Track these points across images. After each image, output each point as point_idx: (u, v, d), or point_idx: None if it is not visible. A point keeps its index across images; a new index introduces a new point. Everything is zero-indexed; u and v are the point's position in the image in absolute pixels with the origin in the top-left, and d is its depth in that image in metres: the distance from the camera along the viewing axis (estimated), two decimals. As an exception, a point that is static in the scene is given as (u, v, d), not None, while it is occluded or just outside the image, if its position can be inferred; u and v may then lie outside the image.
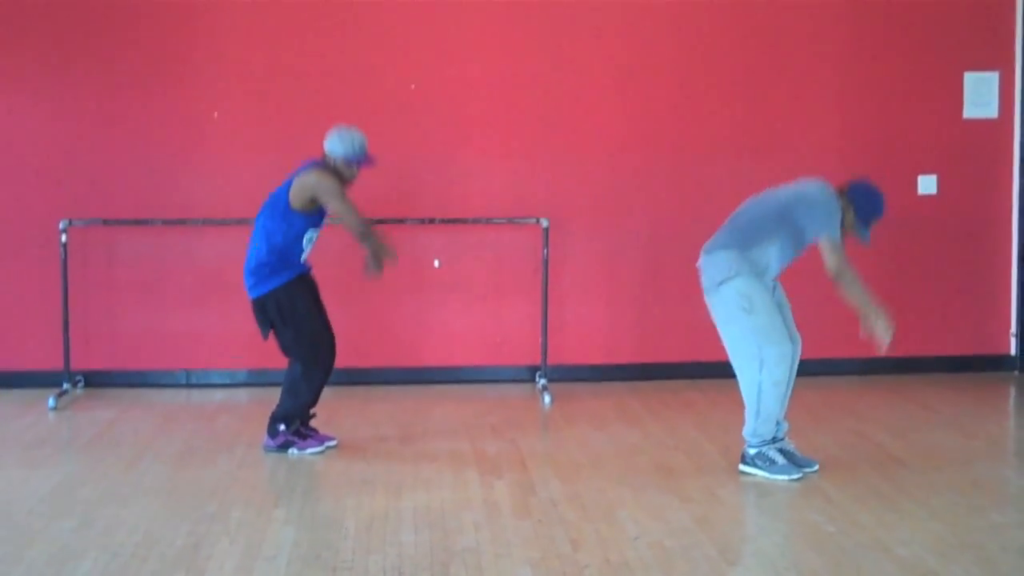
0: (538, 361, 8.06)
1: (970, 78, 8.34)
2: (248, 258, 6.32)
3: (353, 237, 6.25)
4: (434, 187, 8.07)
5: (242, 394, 7.86)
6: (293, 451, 6.31)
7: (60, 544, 4.88)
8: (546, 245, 7.94)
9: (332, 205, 6.16)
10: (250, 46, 7.98)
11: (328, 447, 6.39)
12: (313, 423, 6.48)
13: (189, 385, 8.12)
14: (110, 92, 7.93)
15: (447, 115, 8.09)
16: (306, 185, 6.15)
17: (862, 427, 6.83)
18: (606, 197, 8.19)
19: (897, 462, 6.12)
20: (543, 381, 7.92)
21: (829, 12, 8.23)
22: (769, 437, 5.78)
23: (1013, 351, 8.53)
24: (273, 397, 6.46)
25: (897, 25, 8.28)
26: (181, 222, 7.90)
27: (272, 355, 6.50)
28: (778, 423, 5.79)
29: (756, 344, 5.65)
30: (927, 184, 8.36)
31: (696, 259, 5.92)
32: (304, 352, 6.33)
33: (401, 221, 7.87)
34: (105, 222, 7.87)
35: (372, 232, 6.23)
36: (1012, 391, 8.12)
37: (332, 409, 6.94)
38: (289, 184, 6.23)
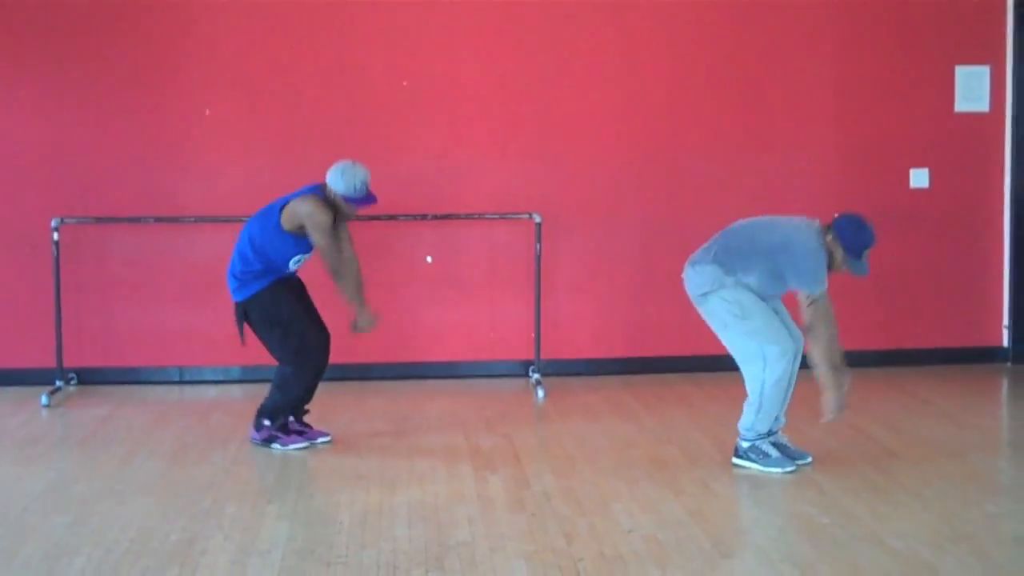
0: (531, 356, 8.06)
1: (961, 72, 8.36)
2: (232, 262, 6.30)
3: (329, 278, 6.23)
4: (427, 183, 8.06)
5: (235, 390, 7.86)
6: (276, 446, 6.31)
7: (54, 541, 4.88)
8: (539, 240, 7.94)
9: (317, 241, 6.12)
10: (242, 44, 7.97)
11: (321, 443, 6.38)
12: (307, 419, 6.47)
13: (182, 382, 8.11)
14: (102, 90, 7.92)
15: (439, 112, 8.09)
16: (298, 213, 6.11)
17: (855, 419, 6.83)
18: (599, 192, 8.20)
19: (890, 454, 6.13)
20: (536, 376, 7.92)
21: (821, 7, 8.24)
22: (765, 431, 5.79)
23: (1005, 343, 8.55)
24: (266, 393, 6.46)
25: (889, 20, 8.29)
26: (174, 220, 7.90)
27: (265, 352, 6.49)
28: (776, 418, 5.80)
29: (757, 343, 5.67)
30: (919, 178, 8.37)
31: (688, 253, 5.92)
32: (292, 355, 6.30)
33: (394, 217, 7.86)
34: (97, 220, 7.86)
35: (356, 291, 6.25)
36: (1005, 382, 8.14)
37: (326, 404, 6.94)
38: (284, 202, 6.19)
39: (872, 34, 8.29)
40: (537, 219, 7.91)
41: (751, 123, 8.24)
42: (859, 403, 7.25)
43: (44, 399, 7.44)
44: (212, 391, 7.92)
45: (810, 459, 5.85)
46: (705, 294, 5.78)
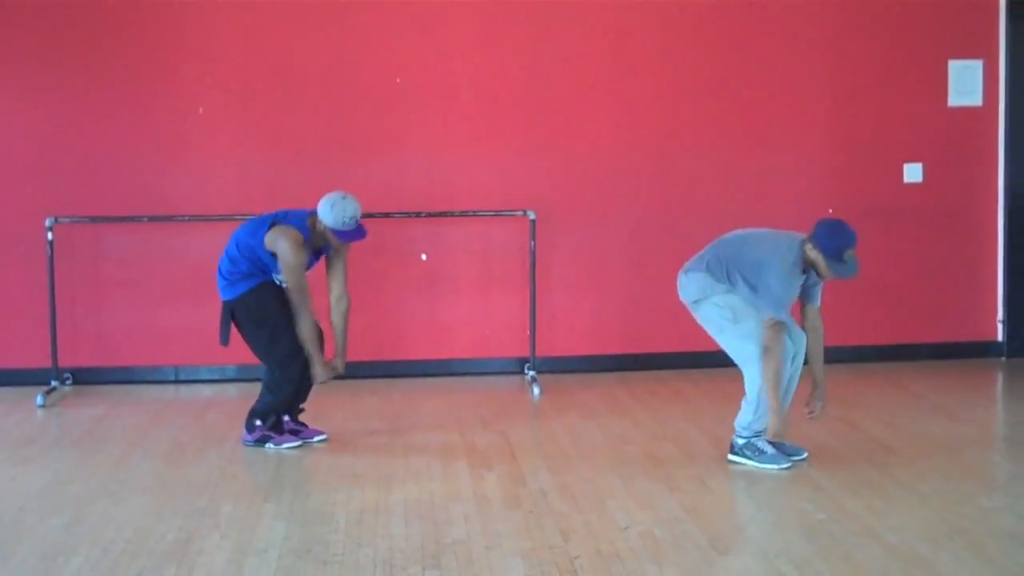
0: (526, 353, 8.07)
1: (955, 66, 8.36)
2: (221, 261, 6.29)
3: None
4: (421, 181, 8.06)
5: (231, 389, 7.85)
6: (270, 446, 6.31)
7: (50, 541, 4.88)
8: (533, 237, 7.93)
9: (286, 280, 6.09)
10: (235, 42, 7.96)
11: (317, 442, 6.38)
12: (302, 418, 6.47)
13: (178, 381, 8.11)
14: (96, 89, 7.91)
15: (433, 109, 8.08)
16: (276, 246, 6.07)
17: (851, 415, 6.84)
18: (593, 189, 8.20)
19: (886, 449, 6.14)
20: (532, 373, 7.92)
21: (814, 4, 8.24)
22: (761, 429, 5.80)
23: (1000, 337, 8.56)
24: (262, 392, 6.46)
25: (882, 14, 8.29)
26: (168, 219, 7.89)
27: (260, 350, 6.49)
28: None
29: (753, 345, 5.68)
30: (913, 172, 8.38)
31: (682, 249, 5.94)
32: (277, 360, 6.28)
33: (388, 215, 7.86)
34: (92, 219, 7.85)
35: (313, 342, 6.18)
36: (1000, 377, 8.15)
37: (321, 403, 6.93)
38: (273, 220, 6.15)
39: (865, 29, 8.30)
40: (532, 216, 7.91)
41: (745, 119, 8.24)
42: (854, 398, 7.28)
43: (39, 399, 7.43)
44: (207, 390, 7.91)
45: (805, 455, 5.85)
46: (697, 301, 5.85)
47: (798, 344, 5.80)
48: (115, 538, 4.89)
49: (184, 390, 7.95)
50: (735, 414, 5.85)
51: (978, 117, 8.41)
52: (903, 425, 6.67)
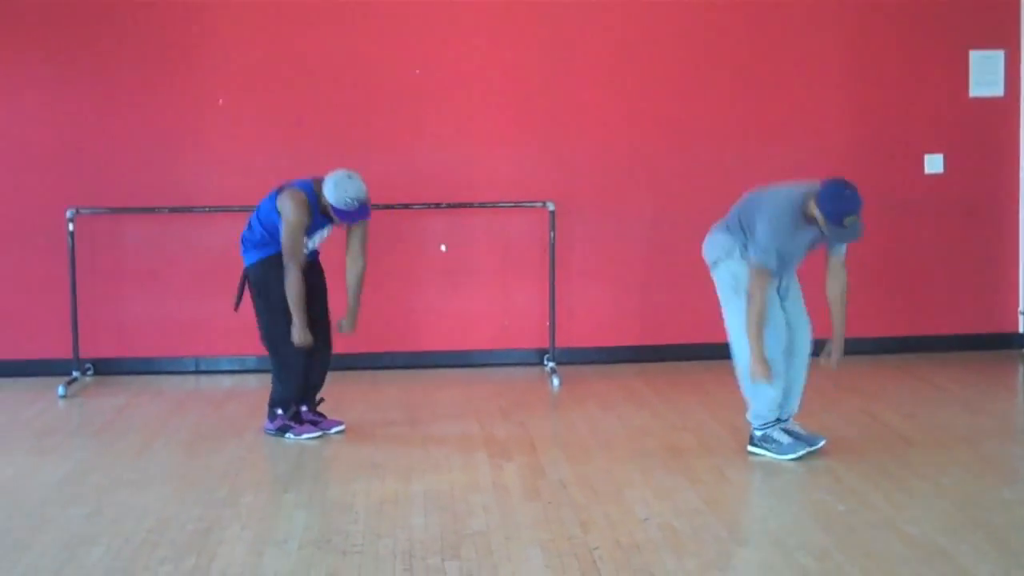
0: (546, 344, 8.07)
1: (975, 56, 8.32)
2: (246, 227, 6.34)
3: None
4: (440, 172, 8.07)
5: (251, 380, 7.87)
6: (290, 436, 6.32)
7: (72, 531, 4.91)
8: (552, 229, 7.93)
9: (282, 237, 6.09)
10: (254, 33, 7.98)
11: (335, 432, 6.39)
12: (322, 408, 6.48)
13: (198, 372, 8.14)
14: (116, 81, 7.94)
15: (452, 100, 8.09)
16: (282, 206, 6.10)
17: (871, 406, 6.83)
18: (612, 180, 8.19)
19: (906, 441, 6.12)
20: (551, 364, 7.92)
21: (833, -8, 8.23)
22: (771, 419, 5.78)
23: (1021, 329, 8.52)
24: (282, 383, 6.48)
25: (902, 4, 8.26)
26: (188, 209, 7.91)
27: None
28: (782, 405, 5.77)
29: (743, 324, 5.65)
30: (934, 163, 8.35)
31: (701, 240, 5.92)
32: (273, 346, 6.30)
33: (407, 206, 7.87)
34: (112, 210, 7.88)
35: (298, 296, 6.12)
36: (1020, 369, 8.12)
37: (340, 393, 6.96)
38: (290, 186, 6.19)
39: (886, 19, 8.26)
40: (551, 207, 7.91)
41: (764, 110, 8.22)
42: (874, 390, 7.27)
43: (61, 390, 7.47)
44: (228, 381, 7.94)
45: (823, 442, 5.80)
46: (715, 262, 5.81)
47: (800, 331, 5.77)
48: (136, 528, 4.91)
49: (204, 381, 7.98)
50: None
51: (999, 108, 8.37)
52: (923, 417, 6.65)
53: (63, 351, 7.84)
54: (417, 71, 8.05)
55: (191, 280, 8.03)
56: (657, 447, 6.08)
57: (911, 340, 8.40)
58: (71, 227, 7.71)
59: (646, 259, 8.25)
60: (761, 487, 5.54)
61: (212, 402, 7.29)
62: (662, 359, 8.20)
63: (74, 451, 6.26)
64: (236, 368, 8.12)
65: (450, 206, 8.03)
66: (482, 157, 8.11)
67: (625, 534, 4.77)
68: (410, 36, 8.03)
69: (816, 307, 5.84)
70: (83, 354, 7.86)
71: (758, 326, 5.56)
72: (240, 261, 6.38)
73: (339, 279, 6.43)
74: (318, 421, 6.41)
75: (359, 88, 8.01)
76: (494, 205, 8.08)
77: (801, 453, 5.73)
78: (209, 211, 7.92)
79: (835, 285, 5.73)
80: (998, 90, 8.36)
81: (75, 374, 7.78)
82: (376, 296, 7.96)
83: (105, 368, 8.01)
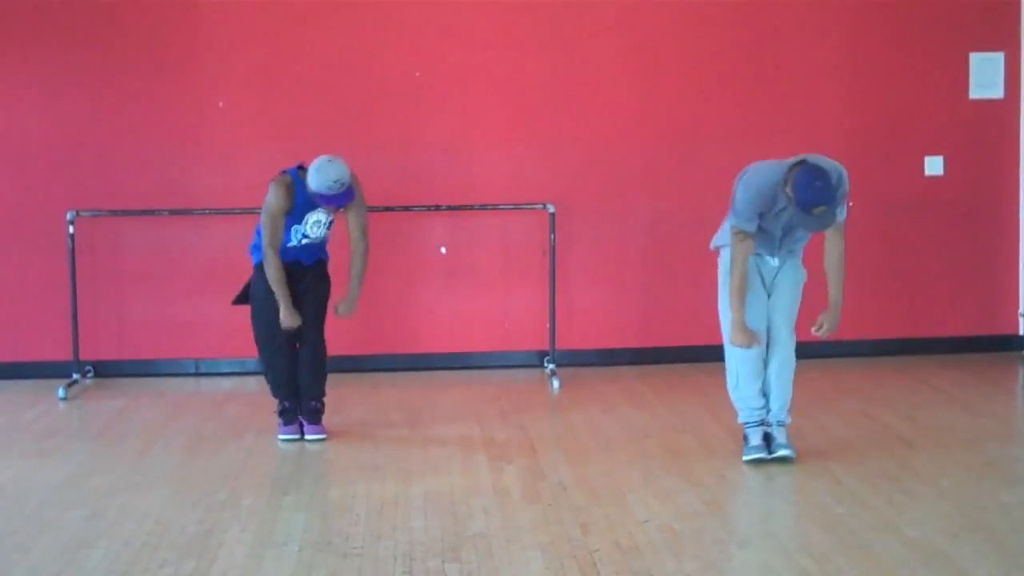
0: (546, 346, 8.06)
1: (976, 59, 8.32)
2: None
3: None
4: (440, 174, 8.06)
5: (251, 382, 7.86)
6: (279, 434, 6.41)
7: (71, 533, 4.91)
8: (553, 231, 7.93)
9: (262, 216, 6.15)
10: (255, 36, 7.98)
11: (312, 439, 6.31)
12: (326, 415, 6.45)
13: (198, 374, 8.13)
14: (116, 83, 7.93)
15: (452, 102, 8.09)
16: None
17: (870, 408, 6.83)
18: (612, 182, 8.19)
19: (906, 443, 6.12)
20: (551, 366, 7.92)
21: (833, -6, 8.23)
22: (754, 420, 5.75)
23: (1021, 331, 8.52)
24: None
25: (902, 6, 8.25)
26: (188, 212, 7.91)
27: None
28: (768, 408, 5.74)
29: (725, 311, 5.67)
30: (934, 165, 8.35)
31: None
32: (256, 338, 6.38)
33: (408, 208, 7.87)
34: (112, 213, 7.88)
35: (279, 280, 6.15)
36: (1020, 371, 8.12)
37: (340, 396, 6.96)
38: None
39: (886, 21, 8.26)
40: (551, 209, 7.91)
41: (764, 113, 8.21)
42: (874, 392, 7.27)
43: (61, 392, 7.47)
44: (228, 383, 7.94)
45: (788, 454, 5.68)
46: (717, 249, 5.82)
47: (777, 344, 5.70)
48: (136, 530, 4.91)
49: (204, 383, 7.98)
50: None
51: (999, 110, 8.37)
52: (923, 419, 6.65)
53: (63, 353, 7.84)
54: (417, 73, 8.05)
55: (191, 282, 8.03)
56: (657, 449, 6.08)
57: (911, 342, 8.40)
58: (71, 229, 7.71)
59: (646, 261, 8.25)
60: (761, 489, 5.53)
61: (212, 404, 7.29)
62: (662, 361, 8.20)
63: (74, 453, 6.26)
64: (236, 370, 8.11)
65: (450, 208, 8.03)
66: (482, 159, 8.11)
67: (625, 536, 4.76)
68: (410, 38, 8.03)
69: (813, 308, 5.83)
70: (83, 356, 7.85)
71: (740, 290, 5.53)
72: (246, 263, 6.40)
73: (341, 279, 6.44)
74: (301, 425, 6.39)
75: (359, 91, 8.01)
76: (494, 207, 8.07)
77: (752, 457, 5.69)
78: (209, 213, 7.91)
79: (832, 253, 5.60)
80: (998, 92, 8.35)
81: (75, 376, 7.78)
82: (376, 298, 7.98)
83: (105, 370, 8.01)
